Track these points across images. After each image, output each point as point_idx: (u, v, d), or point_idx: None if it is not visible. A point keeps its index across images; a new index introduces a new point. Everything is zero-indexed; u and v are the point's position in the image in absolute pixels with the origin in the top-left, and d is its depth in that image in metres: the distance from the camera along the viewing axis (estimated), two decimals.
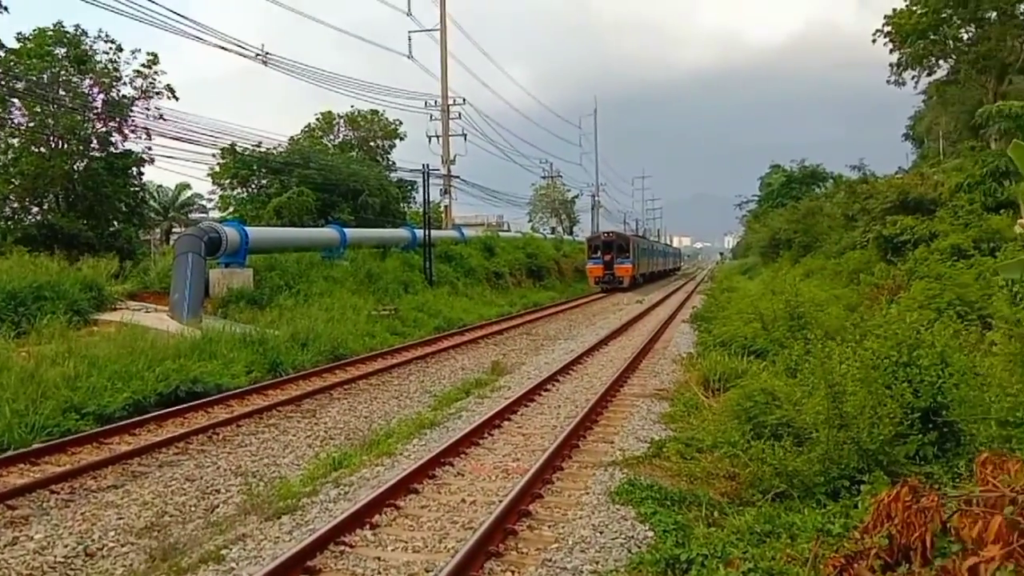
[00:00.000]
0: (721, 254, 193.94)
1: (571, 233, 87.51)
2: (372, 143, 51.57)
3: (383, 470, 9.72)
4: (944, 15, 39.26)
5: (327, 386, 15.97)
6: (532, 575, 6.51)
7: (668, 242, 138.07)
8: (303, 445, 11.77)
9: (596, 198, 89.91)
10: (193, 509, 8.80)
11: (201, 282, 22.45)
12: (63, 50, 29.80)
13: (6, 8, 25.37)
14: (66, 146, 30.04)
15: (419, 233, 36.80)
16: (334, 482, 9.25)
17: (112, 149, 31.49)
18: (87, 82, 30.99)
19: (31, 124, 29.90)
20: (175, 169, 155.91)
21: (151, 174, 45.57)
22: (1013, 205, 21.55)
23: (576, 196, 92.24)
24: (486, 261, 43.05)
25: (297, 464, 10.73)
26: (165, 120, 29.56)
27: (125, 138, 31.88)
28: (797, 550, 5.97)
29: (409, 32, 43.63)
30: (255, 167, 37.67)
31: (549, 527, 7.60)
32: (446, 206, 47.05)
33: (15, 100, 29.31)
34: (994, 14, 39.04)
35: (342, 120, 51.07)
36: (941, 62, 42.80)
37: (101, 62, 30.74)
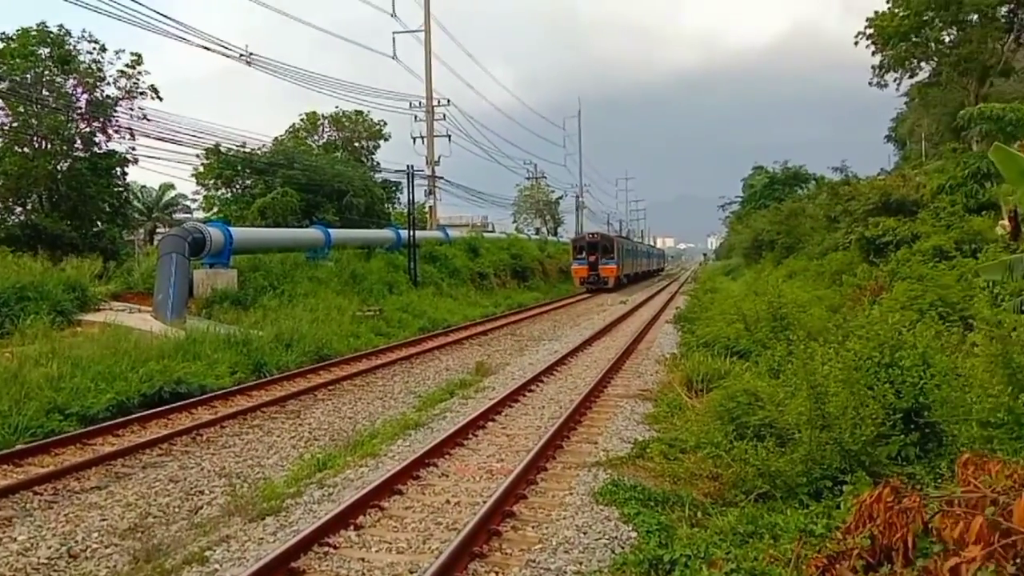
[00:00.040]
0: (704, 255, 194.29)
1: (555, 234, 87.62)
2: (357, 144, 51.47)
3: (367, 471, 9.71)
4: (926, 18, 39.45)
5: (311, 387, 15.93)
6: None
7: (652, 243, 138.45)
8: (287, 446, 11.74)
9: (580, 199, 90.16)
10: (177, 510, 8.76)
11: (185, 283, 22.37)
12: (47, 50, 29.64)
13: None
14: (50, 146, 29.89)
15: (404, 234, 36.72)
16: (318, 483, 9.25)
17: (96, 149, 31.42)
18: (71, 82, 30.86)
19: (14, 124, 29.74)
20: (159, 169, 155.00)
21: (135, 174, 45.25)
22: (994, 207, 21.70)
23: (560, 197, 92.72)
24: (471, 262, 43.03)
25: (281, 465, 10.70)
26: (149, 120, 29.58)
27: (109, 138, 31.85)
28: (780, 550, 6.01)
29: (393, 33, 43.66)
30: (239, 167, 37.55)
31: (533, 528, 7.63)
32: (431, 207, 46.99)
33: None
34: (975, 17, 39.28)
35: (326, 121, 50.94)
36: (923, 64, 43.00)
37: (85, 62, 30.62)
